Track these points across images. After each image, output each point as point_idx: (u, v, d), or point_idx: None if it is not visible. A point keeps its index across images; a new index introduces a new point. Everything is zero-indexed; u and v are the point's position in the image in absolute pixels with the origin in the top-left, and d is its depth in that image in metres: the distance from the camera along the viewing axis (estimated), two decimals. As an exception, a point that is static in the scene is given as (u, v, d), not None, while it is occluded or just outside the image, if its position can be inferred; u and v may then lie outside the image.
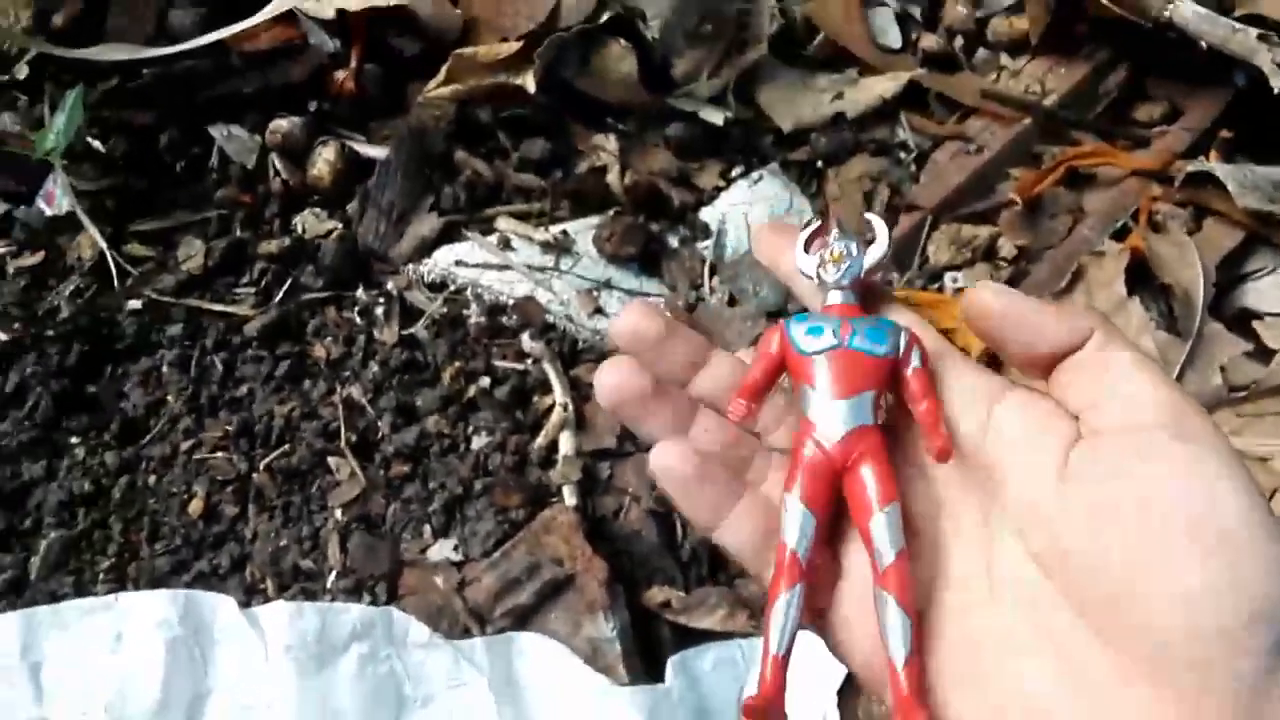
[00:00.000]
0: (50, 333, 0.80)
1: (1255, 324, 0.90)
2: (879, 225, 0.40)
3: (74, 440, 0.77)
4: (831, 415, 0.36)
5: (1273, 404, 0.86)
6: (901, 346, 0.36)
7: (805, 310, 0.40)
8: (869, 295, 0.40)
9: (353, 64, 0.92)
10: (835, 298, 0.38)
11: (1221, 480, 0.30)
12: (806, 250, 0.39)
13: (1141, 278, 0.90)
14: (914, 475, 0.38)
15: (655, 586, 0.75)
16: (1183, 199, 0.94)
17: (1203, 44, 0.94)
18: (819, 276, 0.39)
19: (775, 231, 0.41)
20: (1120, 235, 0.93)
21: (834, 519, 0.37)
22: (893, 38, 1.04)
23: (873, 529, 0.35)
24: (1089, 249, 0.92)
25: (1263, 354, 0.88)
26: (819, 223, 0.40)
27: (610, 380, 0.38)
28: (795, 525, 0.35)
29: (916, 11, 1.05)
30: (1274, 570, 0.29)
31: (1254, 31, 0.92)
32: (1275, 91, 0.90)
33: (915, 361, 0.36)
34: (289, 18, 0.91)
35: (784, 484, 0.37)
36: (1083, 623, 0.32)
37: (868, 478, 0.35)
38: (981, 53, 1.04)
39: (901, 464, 0.37)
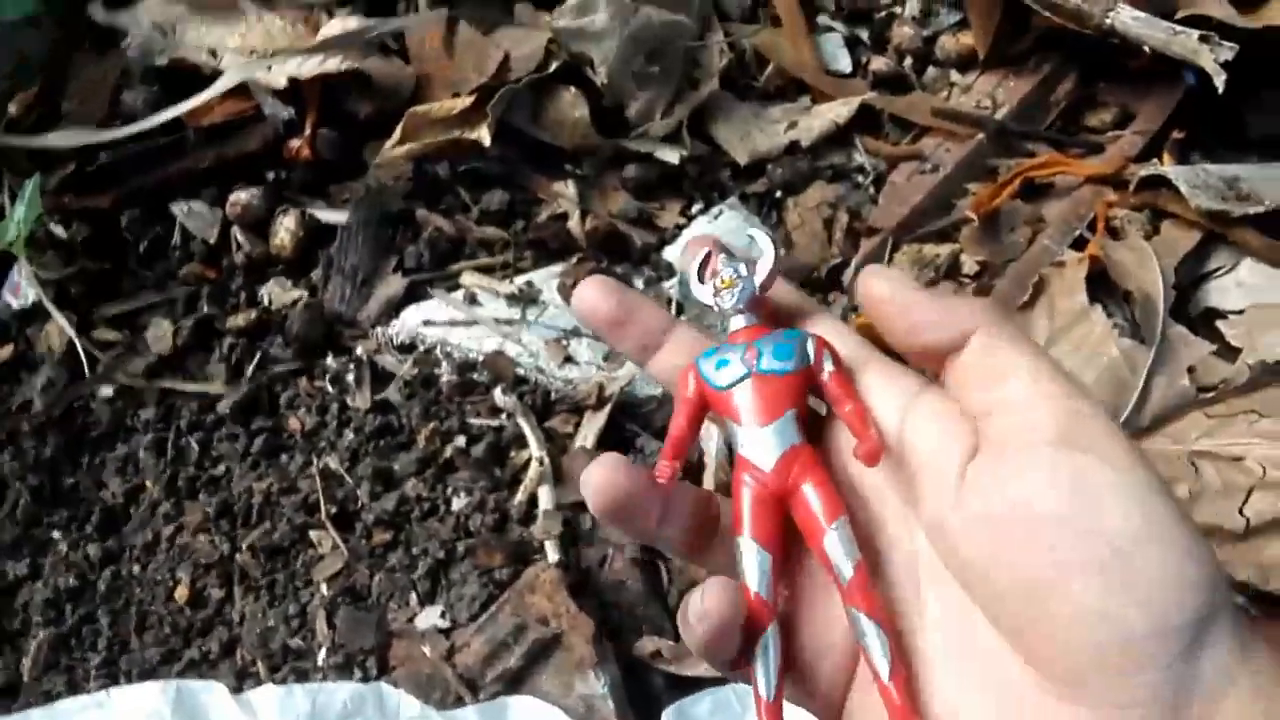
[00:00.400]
0: (25, 427, 0.81)
1: (1219, 323, 0.91)
2: (761, 239, 0.40)
3: (56, 535, 0.77)
4: (760, 444, 0.36)
5: (1242, 402, 0.87)
6: (811, 355, 0.36)
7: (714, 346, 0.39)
8: (787, 312, 0.40)
9: (308, 130, 0.92)
10: (738, 322, 0.38)
11: (1111, 492, 0.30)
12: (701, 280, 0.40)
13: (1103, 285, 0.91)
14: (846, 490, 0.37)
15: (645, 636, 0.75)
16: (1138, 203, 0.95)
17: (1146, 48, 0.95)
18: (717, 305, 0.39)
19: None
20: (1080, 244, 0.94)
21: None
22: (843, 63, 1.04)
23: (826, 547, 0.35)
24: (1051, 259, 0.93)
25: (1229, 352, 0.89)
26: (704, 253, 0.40)
27: (596, 480, 0.36)
28: (754, 566, 0.35)
29: (865, 35, 1.06)
30: (1174, 580, 0.29)
31: (1195, 33, 0.93)
32: (1220, 90, 0.91)
33: (828, 366, 0.36)
34: (241, 90, 0.92)
35: (731, 527, 0.36)
36: (1002, 638, 0.32)
37: (810, 497, 0.35)
38: (931, 71, 1.05)
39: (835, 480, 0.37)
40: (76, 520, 0.78)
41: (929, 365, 0.36)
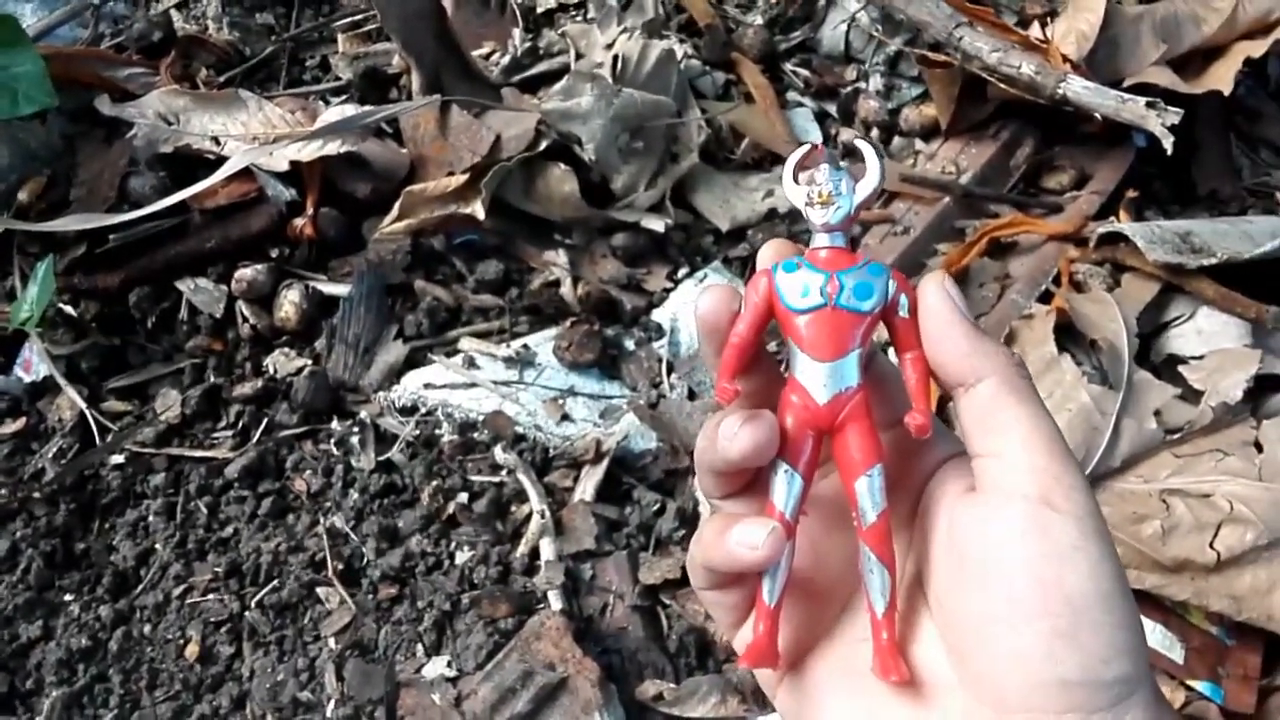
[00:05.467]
0: (37, 495, 0.83)
1: (1181, 368, 0.96)
2: (869, 154, 0.37)
3: (68, 598, 0.79)
4: (818, 377, 0.36)
5: (1207, 442, 0.91)
6: (890, 294, 0.35)
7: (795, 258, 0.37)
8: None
9: (309, 210, 0.96)
10: (823, 240, 0.36)
11: (1075, 551, 0.32)
12: (795, 180, 0.37)
13: (1070, 335, 0.95)
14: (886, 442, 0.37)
15: (646, 680, 0.77)
16: (1099, 258, 1.01)
17: (1098, 115, 1.02)
18: (807, 216, 0.37)
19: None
20: (1046, 298, 0.99)
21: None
22: (813, 135, 1.11)
23: (857, 490, 0.36)
24: (1019, 312, 0.98)
25: (1192, 395, 0.94)
26: (806, 148, 0.38)
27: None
28: (784, 488, 0.36)
29: (832, 108, 1.13)
30: (1109, 642, 0.32)
31: (1143, 100, 0.99)
32: (1169, 153, 0.98)
33: (903, 311, 0.35)
34: (245, 173, 0.96)
35: None
36: (949, 662, 0.35)
37: (853, 439, 0.36)
38: (897, 140, 1.11)
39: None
40: (88, 583, 0.79)
41: (941, 387, 0.37)
